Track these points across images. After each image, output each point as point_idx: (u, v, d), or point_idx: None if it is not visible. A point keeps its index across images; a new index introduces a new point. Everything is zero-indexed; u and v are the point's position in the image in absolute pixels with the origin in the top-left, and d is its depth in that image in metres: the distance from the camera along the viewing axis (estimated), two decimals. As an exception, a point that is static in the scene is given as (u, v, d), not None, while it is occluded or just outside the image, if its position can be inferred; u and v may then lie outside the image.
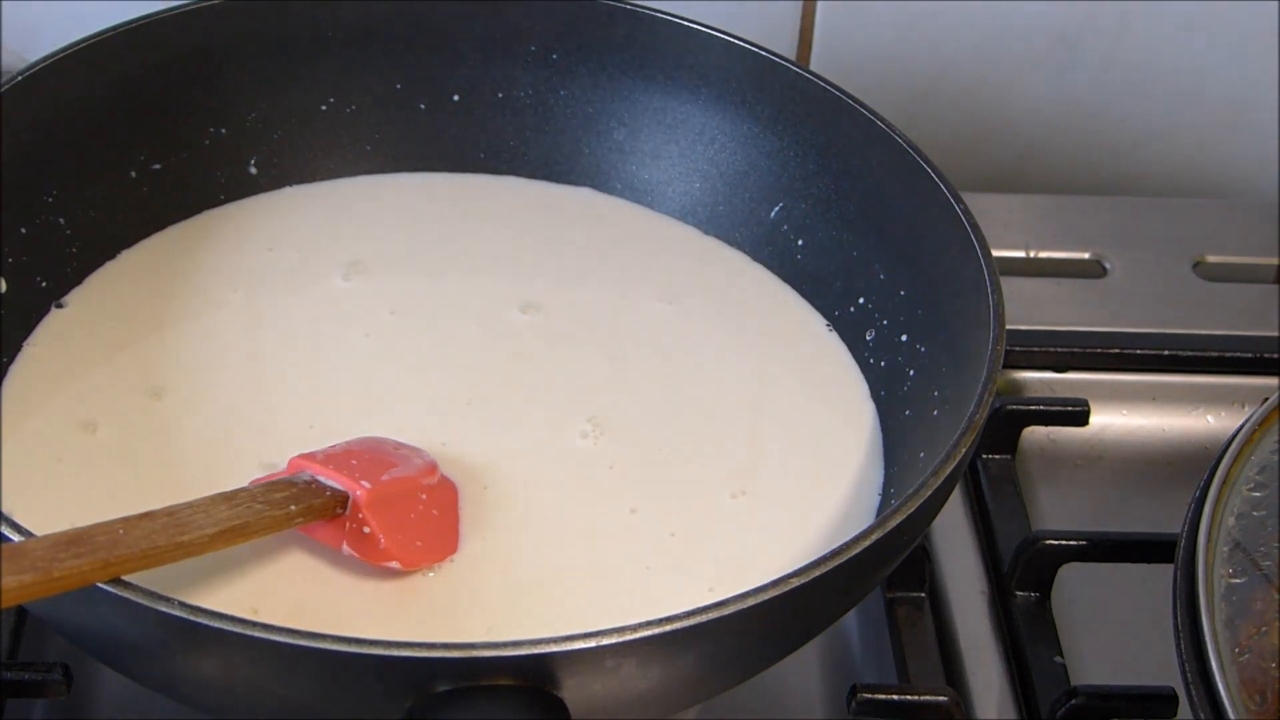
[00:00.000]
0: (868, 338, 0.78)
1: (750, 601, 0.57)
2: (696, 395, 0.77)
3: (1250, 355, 0.90)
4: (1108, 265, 0.97)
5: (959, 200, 0.74)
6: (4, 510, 0.58)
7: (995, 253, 0.71)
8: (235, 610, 0.56)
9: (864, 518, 0.71)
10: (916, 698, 0.71)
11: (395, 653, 0.55)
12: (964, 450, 0.64)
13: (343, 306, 0.79)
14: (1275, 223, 0.99)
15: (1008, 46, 1.03)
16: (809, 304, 0.82)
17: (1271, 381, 0.86)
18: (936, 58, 1.04)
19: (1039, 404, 0.86)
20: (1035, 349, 0.90)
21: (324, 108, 0.85)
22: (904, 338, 0.76)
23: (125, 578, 0.56)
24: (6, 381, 0.73)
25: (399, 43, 0.85)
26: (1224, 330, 0.92)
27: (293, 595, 0.66)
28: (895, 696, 0.71)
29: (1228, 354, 0.90)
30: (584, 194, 0.87)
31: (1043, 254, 0.98)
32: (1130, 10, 1.02)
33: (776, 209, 0.83)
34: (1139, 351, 0.91)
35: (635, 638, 0.56)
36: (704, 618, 0.56)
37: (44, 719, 0.73)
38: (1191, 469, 0.81)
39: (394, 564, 0.66)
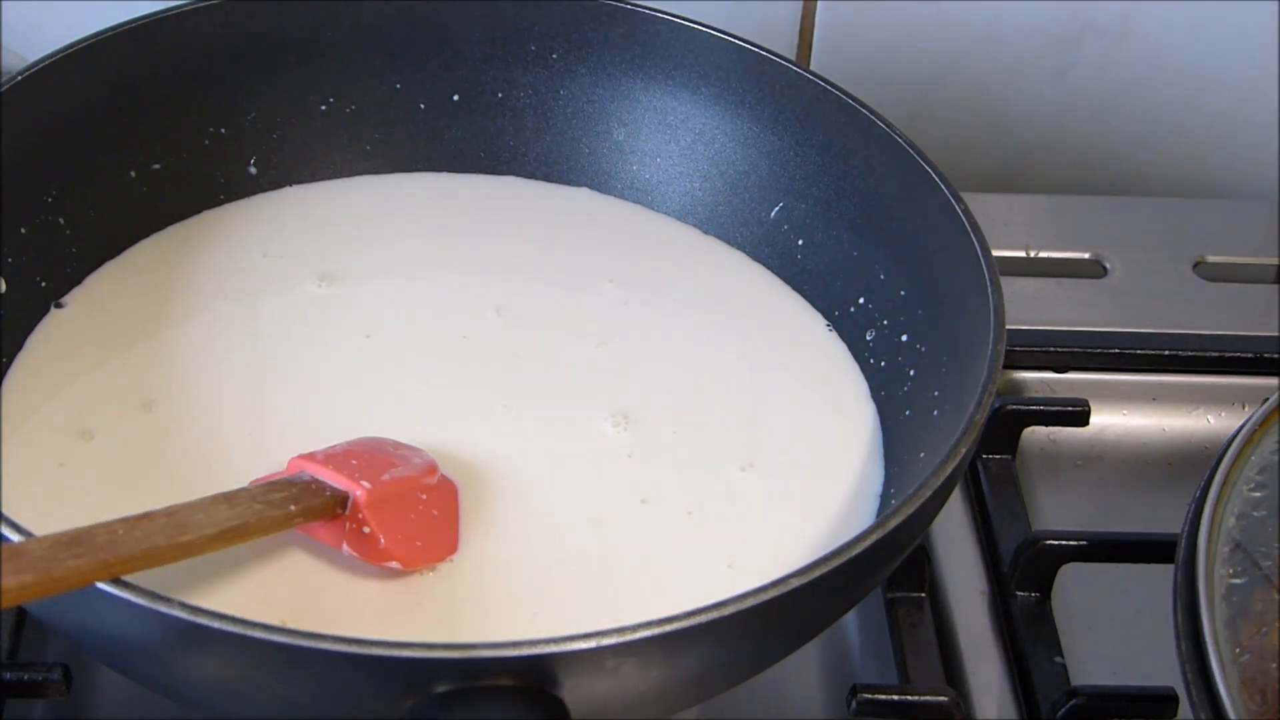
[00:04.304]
0: (868, 338, 0.78)
1: (750, 602, 0.57)
2: (695, 395, 0.77)
3: (1250, 355, 0.90)
4: (1108, 265, 0.97)
5: (959, 200, 0.74)
6: (4, 511, 0.58)
7: (995, 253, 0.71)
8: (236, 610, 0.56)
9: (864, 518, 0.71)
10: (916, 698, 0.71)
11: (395, 653, 0.55)
12: (964, 450, 0.64)
13: (342, 307, 0.79)
14: (1275, 223, 0.99)
15: (1008, 46, 1.03)
16: (809, 304, 0.82)
17: (1271, 381, 0.86)
18: (936, 58, 1.04)
19: (1039, 404, 0.86)
20: (1035, 349, 0.90)
21: (324, 108, 0.85)
22: (904, 338, 0.76)
23: (125, 578, 0.56)
24: (6, 382, 0.73)
25: (399, 43, 0.85)
26: (1224, 330, 0.92)
27: (293, 595, 0.66)
28: (895, 696, 0.71)
29: (1228, 354, 0.90)
30: (583, 194, 0.87)
31: (1043, 254, 0.98)
32: (1130, 10, 1.02)
33: (776, 209, 0.83)
34: (1139, 351, 0.91)
35: (635, 638, 0.56)
36: (704, 618, 0.56)
37: (44, 719, 0.73)
38: (1191, 469, 0.81)
39: (394, 564, 0.66)
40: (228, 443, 0.72)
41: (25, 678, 0.68)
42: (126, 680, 0.67)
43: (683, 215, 0.85)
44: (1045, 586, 0.78)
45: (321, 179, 0.86)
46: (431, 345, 0.78)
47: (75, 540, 0.56)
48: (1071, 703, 0.72)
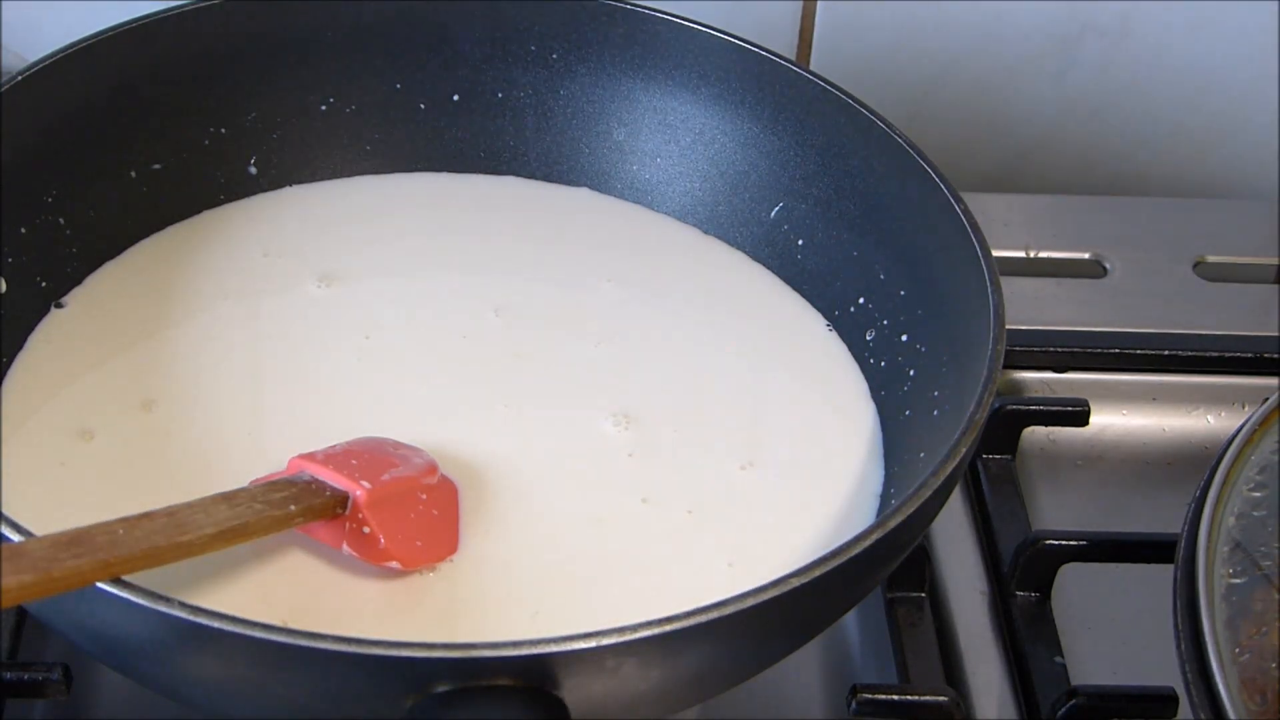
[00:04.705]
0: (868, 338, 0.78)
1: (750, 601, 0.57)
2: (696, 395, 0.77)
3: (1250, 355, 0.90)
4: (1108, 265, 0.97)
5: (959, 200, 0.74)
6: (4, 511, 0.58)
7: (995, 253, 0.71)
8: (236, 610, 0.56)
9: (864, 518, 0.71)
10: (916, 698, 0.71)
11: (395, 653, 0.55)
12: (964, 450, 0.64)
13: (342, 307, 0.79)
14: (1275, 223, 0.99)
15: (1008, 46, 1.03)
16: (809, 304, 0.82)
17: (1271, 381, 0.86)
18: (936, 58, 1.04)
19: (1039, 404, 0.86)
20: (1035, 349, 0.90)
21: (324, 108, 0.85)
22: (904, 338, 0.76)
23: (125, 578, 0.56)
24: (6, 382, 0.73)
25: (399, 43, 0.85)
26: (1224, 330, 0.92)
27: (293, 595, 0.66)
28: (895, 696, 0.71)
29: (1228, 354, 0.90)
30: (583, 194, 0.87)
31: (1043, 254, 0.98)
32: (1130, 10, 1.02)
33: (776, 209, 0.83)
34: (1139, 351, 0.91)
35: (635, 638, 0.56)
36: (704, 618, 0.56)
37: (44, 719, 0.73)
38: (1191, 469, 0.81)
39: (394, 564, 0.66)
40: (228, 443, 0.72)
41: (25, 678, 0.68)
42: (126, 680, 0.67)
43: (683, 215, 0.85)
44: (1045, 586, 0.78)
45: (321, 179, 0.86)
46: (431, 345, 0.78)
47: (75, 540, 0.56)
48: (1071, 703, 0.72)
